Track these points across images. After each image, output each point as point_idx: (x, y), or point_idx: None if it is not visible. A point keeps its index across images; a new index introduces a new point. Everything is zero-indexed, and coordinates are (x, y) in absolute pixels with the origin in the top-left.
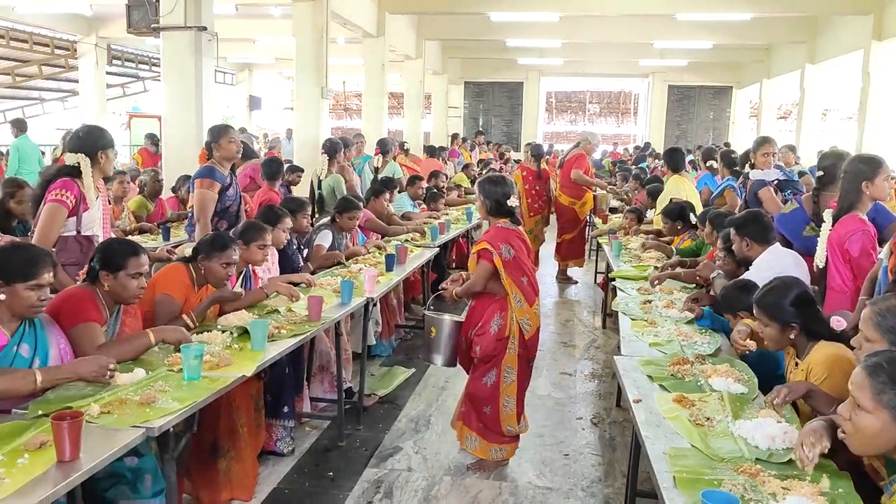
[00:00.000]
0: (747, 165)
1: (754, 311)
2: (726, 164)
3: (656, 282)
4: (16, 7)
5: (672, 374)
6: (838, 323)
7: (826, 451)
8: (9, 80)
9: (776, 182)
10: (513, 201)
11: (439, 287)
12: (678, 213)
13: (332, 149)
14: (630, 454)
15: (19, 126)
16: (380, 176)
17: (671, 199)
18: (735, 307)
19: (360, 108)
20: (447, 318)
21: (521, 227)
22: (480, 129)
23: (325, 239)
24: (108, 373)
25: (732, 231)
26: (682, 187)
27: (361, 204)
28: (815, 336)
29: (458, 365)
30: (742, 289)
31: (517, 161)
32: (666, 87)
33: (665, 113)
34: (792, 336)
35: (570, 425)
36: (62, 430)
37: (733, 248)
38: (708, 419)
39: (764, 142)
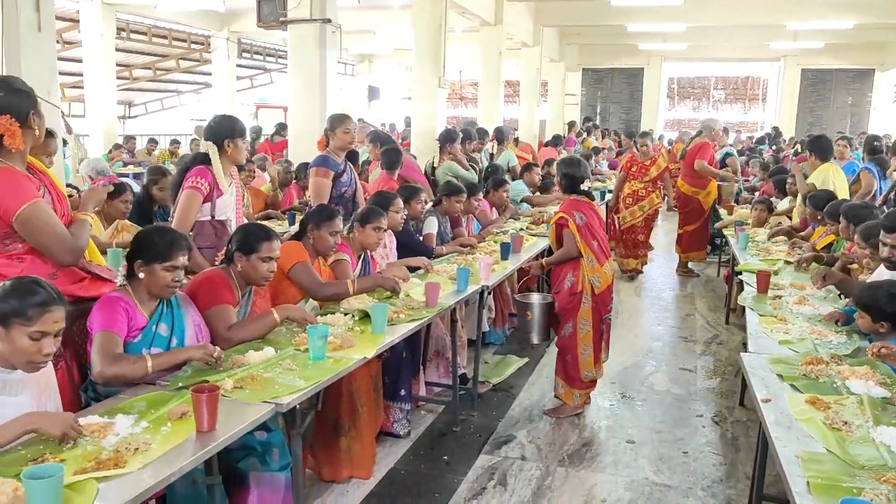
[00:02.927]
0: None
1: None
2: (868, 150)
3: (804, 264)
4: (157, 6)
5: (804, 374)
6: None
7: None
8: (150, 74)
9: None
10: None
11: (527, 267)
12: (826, 201)
13: (445, 138)
14: (756, 455)
15: None
16: (495, 162)
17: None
18: (881, 313)
19: (475, 97)
20: (536, 300)
21: (593, 201)
22: (593, 116)
23: (431, 226)
24: (214, 359)
25: (882, 233)
26: (829, 176)
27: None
28: None
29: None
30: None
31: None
32: (799, 71)
33: (797, 99)
34: None
35: (690, 423)
36: (201, 402)
37: (883, 253)
38: (845, 423)
39: None
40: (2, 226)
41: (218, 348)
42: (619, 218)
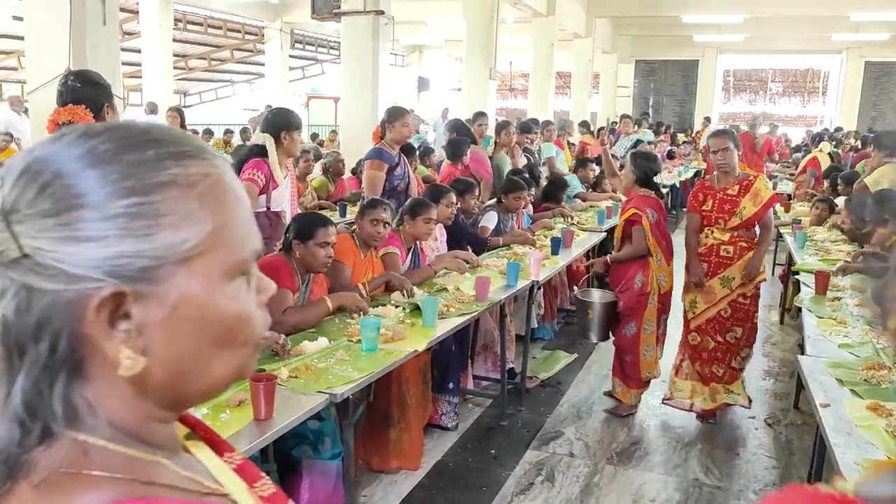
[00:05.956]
0: None
1: None
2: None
3: (844, 272)
4: None
5: (865, 380)
6: None
7: None
8: (205, 65)
9: None
10: (658, 177)
11: (589, 264)
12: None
13: (498, 127)
14: (812, 460)
15: None
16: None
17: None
18: None
19: (526, 88)
20: (597, 299)
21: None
22: (646, 109)
23: (490, 220)
24: (280, 346)
25: None
26: (887, 176)
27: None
28: None
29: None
30: None
31: (686, 142)
32: (862, 64)
33: (859, 93)
34: None
35: (742, 424)
36: (259, 391)
37: None
38: None
39: None
40: None
41: (283, 336)
42: (686, 304)
